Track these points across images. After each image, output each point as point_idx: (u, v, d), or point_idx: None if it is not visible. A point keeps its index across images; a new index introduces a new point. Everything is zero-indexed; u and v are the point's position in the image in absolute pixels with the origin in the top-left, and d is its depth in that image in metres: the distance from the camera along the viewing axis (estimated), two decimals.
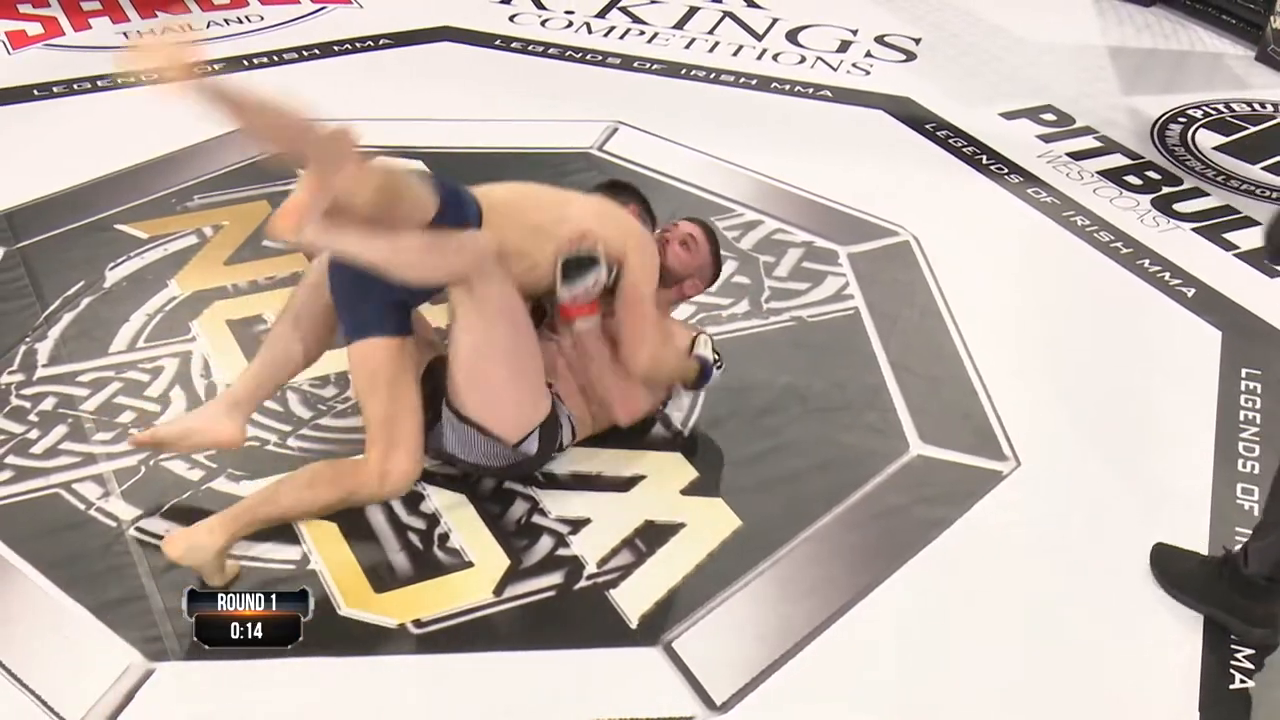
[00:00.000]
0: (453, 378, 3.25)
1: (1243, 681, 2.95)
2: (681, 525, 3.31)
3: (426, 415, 3.30)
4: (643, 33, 6.13)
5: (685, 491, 3.43)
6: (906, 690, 2.94)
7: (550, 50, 5.94)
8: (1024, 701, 2.92)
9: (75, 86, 5.46)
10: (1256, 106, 5.64)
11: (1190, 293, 4.27)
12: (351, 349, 3.24)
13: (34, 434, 3.54)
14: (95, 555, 3.18)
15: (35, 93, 5.40)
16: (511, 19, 6.22)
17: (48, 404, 3.65)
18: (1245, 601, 3.06)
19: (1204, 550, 3.26)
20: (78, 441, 3.52)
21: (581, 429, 3.46)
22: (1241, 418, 3.73)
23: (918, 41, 6.16)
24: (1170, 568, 3.21)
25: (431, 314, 3.62)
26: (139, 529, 3.24)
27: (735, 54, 5.96)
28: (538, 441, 3.30)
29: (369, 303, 3.20)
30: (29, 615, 3.02)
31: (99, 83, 5.49)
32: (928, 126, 5.35)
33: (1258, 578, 3.03)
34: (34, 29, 5.97)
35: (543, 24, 6.19)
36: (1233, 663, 3.00)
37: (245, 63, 5.71)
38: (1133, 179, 5.00)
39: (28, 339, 3.89)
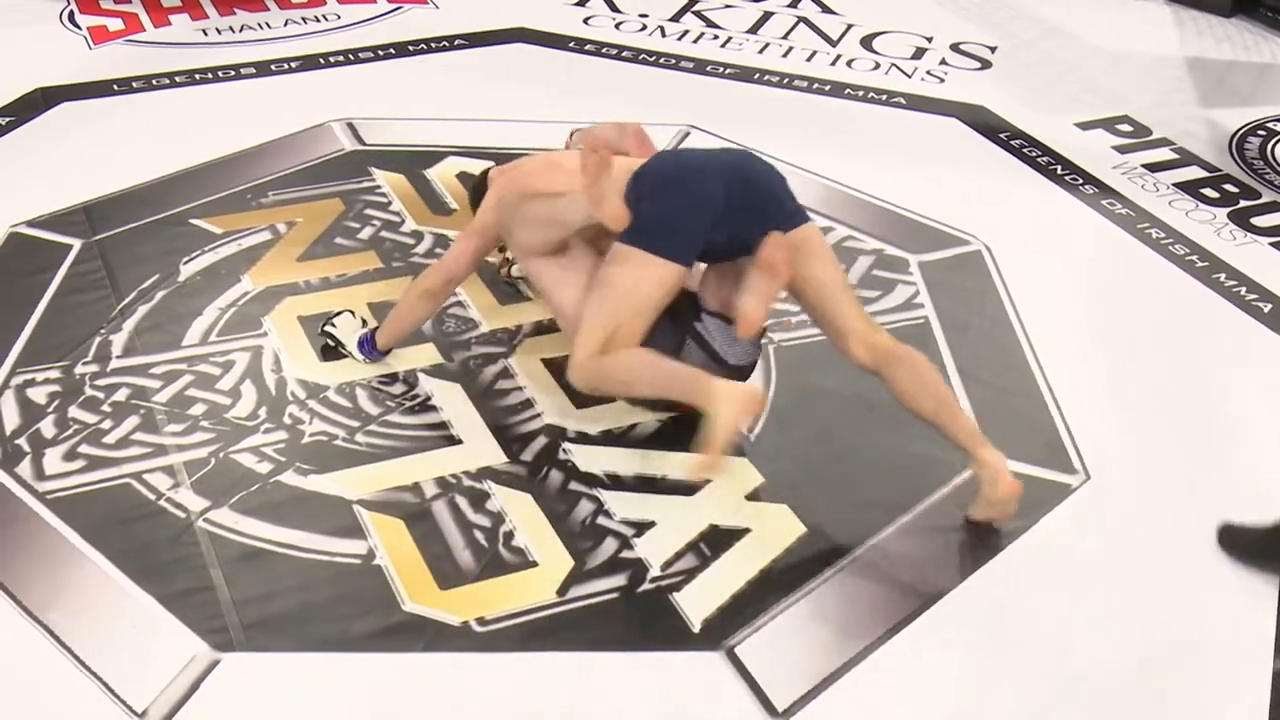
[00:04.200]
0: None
1: None
2: (746, 530, 3.30)
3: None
4: (716, 37, 6.13)
5: (750, 497, 3.42)
6: (970, 702, 2.92)
7: (624, 53, 5.95)
8: (1091, 715, 2.89)
9: (154, 82, 5.52)
10: None
11: (1267, 308, 4.21)
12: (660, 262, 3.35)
13: (107, 424, 3.58)
14: (164, 545, 3.21)
15: (115, 88, 5.47)
16: (586, 21, 6.24)
17: (121, 395, 3.69)
18: None
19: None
20: (149, 432, 3.56)
21: None
22: None
23: (993, 50, 6.11)
24: (1240, 539, 3.29)
25: None
26: (207, 520, 3.28)
27: (809, 59, 5.95)
28: None
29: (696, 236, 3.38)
30: (98, 603, 3.06)
31: (177, 79, 5.56)
32: (1002, 135, 5.32)
33: None
34: (115, 25, 6.05)
35: (617, 27, 6.20)
36: None
37: (322, 61, 5.75)
38: (1210, 192, 4.94)
39: (103, 330, 3.93)
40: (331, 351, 3.83)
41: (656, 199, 3.38)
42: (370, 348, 3.76)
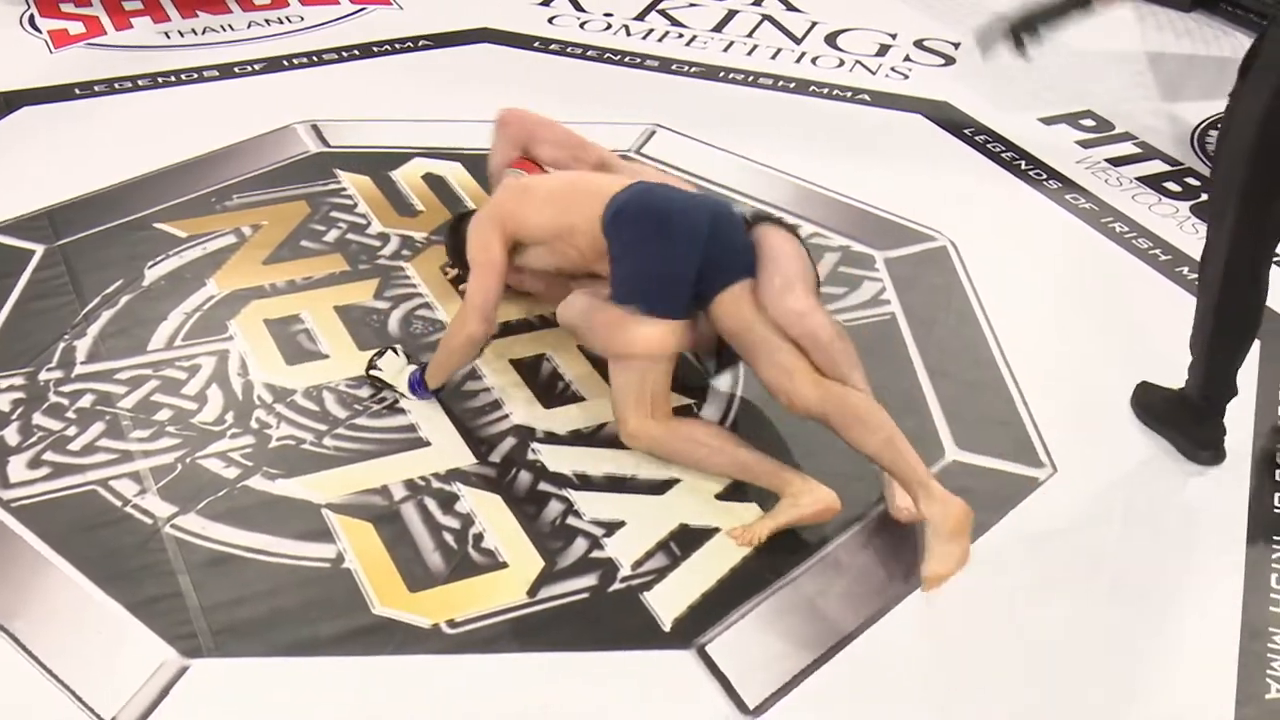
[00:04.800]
0: None
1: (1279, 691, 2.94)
2: (716, 529, 3.31)
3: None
4: (681, 35, 6.13)
5: (720, 496, 3.42)
6: (941, 696, 2.93)
7: (589, 52, 5.94)
8: (1060, 706, 2.91)
9: (116, 86, 5.49)
10: None
11: None
12: (669, 324, 3.40)
13: (72, 430, 3.56)
14: (131, 552, 3.20)
15: (76, 91, 5.43)
16: (550, 21, 6.23)
17: (85, 401, 3.67)
18: (1193, 426, 3.58)
19: (1241, 564, 3.27)
20: (115, 439, 3.54)
21: None
22: None
23: (957, 46, 6.13)
24: (1145, 400, 3.71)
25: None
26: (174, 526, 3.26)
27: (774, 57, 5.95)
28: None
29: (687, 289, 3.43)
30: (64, 611, 3.04)
31: (140, 82, 5.53)
32: (966, 131, 5.33)
33: (1198, 399, 3.54)
34: (76, 28, 6.01)
35: (581, 26, 6.19)
36: (1269, 671, 2.97)
37: (285, 63, 5.73)
38: (1172, 185, 4.96)
39: (66, 336, 3.91)
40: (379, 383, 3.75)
41: (643, 256, 3.45)
42: (422, 388, 3.70)
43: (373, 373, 3.73)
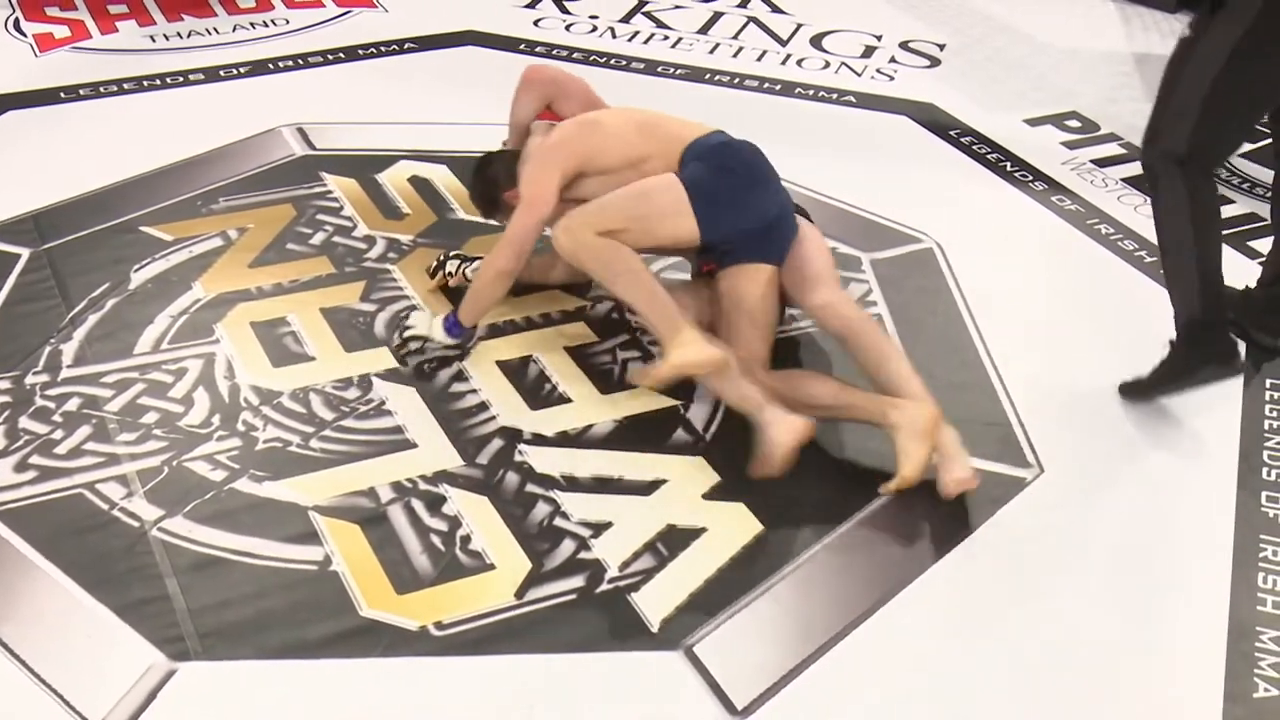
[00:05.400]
0: None
1: (1267, 690, 2.94)
2: (703, 530, 3.31)
3: None
4: (667, 38, 6.14)
5: (707, 496, 3.42)
6: (929, 696, 2.93)
7: (574, 55, 5.94)
8: (1047, 707, 2.91)
9: (101, 89, 5.48)
10: None
11: None
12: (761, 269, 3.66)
13: (58, 434, 3.55)
14: (118, 555, 3.19)
15: (62, 95, 5.42)
16: (536, 23, 6.23)
17: (72, 404, 3.66)
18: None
19: (1228, 563, 3.28)
20: (101, 442, 3.53)
21: None
22: (1266, 427, 3.72)
23: (942, 47, 6.15)
24: (1133, 385, 3.76)
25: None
26: (162, 529, 3.25)
27: (759, 59, 5.96)
28: None
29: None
30: (51, 615, 3.03)
31: (125, 85, 5.52)
32: (952, 133, 5.34)
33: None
34: (61, 32, 6.01)
35: (567, 28, 6.19)
36: (1257, 670, 2.98)
37: (271, 66, 5.73)
38: None
39: (53, 340, 3.90)
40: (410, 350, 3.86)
41: (730, 178, 3.64)
42: (458, 328, 3.80)
43: (407, 334, 3.84)
